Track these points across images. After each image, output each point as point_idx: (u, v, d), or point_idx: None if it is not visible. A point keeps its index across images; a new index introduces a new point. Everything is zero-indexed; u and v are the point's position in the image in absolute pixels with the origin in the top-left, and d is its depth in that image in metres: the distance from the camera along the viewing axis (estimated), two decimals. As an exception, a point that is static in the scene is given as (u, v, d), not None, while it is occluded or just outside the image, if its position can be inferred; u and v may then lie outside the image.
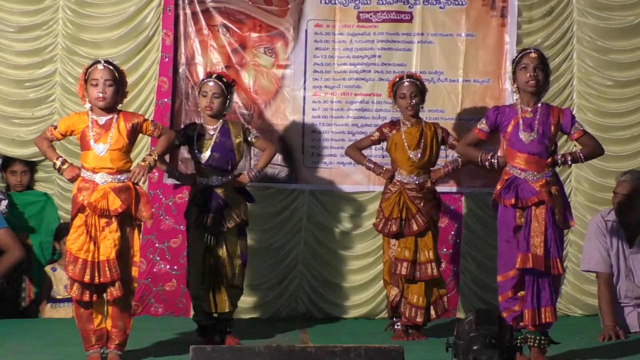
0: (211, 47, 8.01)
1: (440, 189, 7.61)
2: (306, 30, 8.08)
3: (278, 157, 7.97)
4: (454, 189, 8.04)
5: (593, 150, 6.43)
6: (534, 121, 6.22)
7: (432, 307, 7.23)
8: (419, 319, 7.15)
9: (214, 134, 6.90)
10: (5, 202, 7.74)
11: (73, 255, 6.02)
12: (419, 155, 7.18)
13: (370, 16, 8.10)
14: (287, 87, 8.09)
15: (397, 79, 7.29)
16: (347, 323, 7.93)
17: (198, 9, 7.97)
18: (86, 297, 6.03)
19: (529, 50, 6.33)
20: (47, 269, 7.82)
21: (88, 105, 6.14)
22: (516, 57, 6.40)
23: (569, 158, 6.36)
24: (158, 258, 7.96)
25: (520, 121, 6.24)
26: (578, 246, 7.93)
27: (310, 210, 8.12)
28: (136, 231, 6.17)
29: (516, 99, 6.36)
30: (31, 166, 8.05)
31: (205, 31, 8.00)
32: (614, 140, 8.08)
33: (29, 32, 7.99)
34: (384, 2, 8.07)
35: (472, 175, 7.94)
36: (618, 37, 8.21)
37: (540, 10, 8.13)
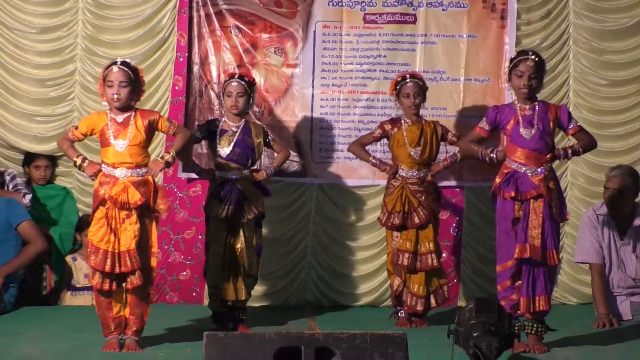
0: (224, 47, 8.05)
1: (442, 183, 7.66)
2: (314, 31, 8.10)
3: (288, 153, 8.04)
4: (455, 183, 8.08)
5: (589, 143, 6.50)
6: (534, 118, 6.26)
7: (432, 296, 7.25)
8: (419, 308, 7.17)
9: (237, 131, 6.93)
10: (29, 196, 7.78)
11: (94, 246, 6.07)
12: (420, 152, 7.20)
13: (376, 18, 8.12)
14: (296, 85, 8.12)
15: (400, 78, 7.29)
16: (354, 311, 7.95)
17: (211, 11, 8.01)
18: (106, 286, 6.06)
19: (526, 57, 6.30)
20: (68, 258, 7.87)
21: (106, 104, 6.17)
22: (514, 58, 6.38)
23: (569, 152, 6.42)
24: (172, 249, 8.01)
25: (520, 119, 6.26)
26: (573, 238, 7.95)
27: (319, 203, 8.15)
28: (154, 223, 6.21)
29: (513, 98, 6.40)
30: (53, 161, 8.10)
31: (218, 32, 8.03)
32: (608, 136, 8.10)
33: (50, 33, 8.03)
34: (389, 5, 8.09)
35: (473, 170, 7.97)
36: (612, 38, 8.21)
37: (539, 13, 8.14)
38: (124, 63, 6.16)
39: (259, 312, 7.65)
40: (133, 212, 6.07)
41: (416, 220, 7.16)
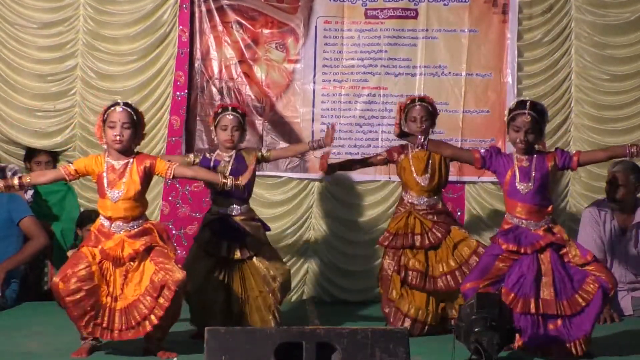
0: (225, 43, 8.05)
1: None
2: (316, 27, 8.10)
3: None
4: (456, 177, 8.05)
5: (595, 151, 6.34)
6: (531, 170, 6.08)
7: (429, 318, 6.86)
8: (415, 332, 6.69)
9: (229, 161, 6.61)
10: (31, 192, 7.77)
11: (84, 255, 5.80)
12: (427, 180, 6.90)
13: (377, 13, 8.11)
14: (297, 80, 8.11)
15: (409, 101, 6.98)
16: (355, 306, 7.93)
17: (213, 6, 8.01)
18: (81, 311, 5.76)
19: (522, 111, 6.04)
20: (70, 253, 7.84)
21: (105, 146, 5.91)
22: (512, 110, 6.11)
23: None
24: (175, 244, 7.98)
25: (517, 171, 6.08)
26: (575, 233, 7.92)
27: (320, 198, 8.15)
28: (168, 251, 5.91)
29: (513, 150, 6.19)
30: (54, 156, 8.09)
31: (220, 27, 8.03)
32: (610, 131, 8.10)
33: (51, 28, 8.02)
34: (390, 0, 8.08)
35: (474, 166, 7.97)
36: (614, 33, 8.21)
37: (540, 7, 8.14)
38: (126, 104, 5.89)
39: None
40: (133, 263, 5.83)
41: (432, 239, 6.82)
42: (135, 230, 5.86)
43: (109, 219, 5.86)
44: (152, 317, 5.75)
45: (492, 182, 7.92)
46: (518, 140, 6.06)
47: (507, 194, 6.15)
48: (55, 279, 5.75)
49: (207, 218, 6.71)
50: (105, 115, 5.85)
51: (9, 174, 7.85)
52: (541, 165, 6.10)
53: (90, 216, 7.77)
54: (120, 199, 5.82)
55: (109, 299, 5.80)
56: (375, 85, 8.14)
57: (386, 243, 6.89)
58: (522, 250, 6.02)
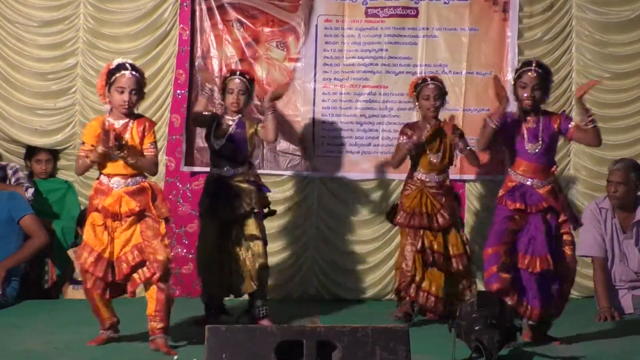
0: (226, 41, 8.04)
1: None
2: (316, 25, 8.09)
3: (290, 147, 8.03)
4: (457, 176, 8.04)
5: (592, 139, 6.30)
6: (538, 131, 6.20)
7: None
8: (433, 306, 7.03)
9: (231, 125, 6.87)
10: (31, 190, 7.75)
11: (89, 246, 5.97)
12: (440, 157, 7.11)
13: (378, 11, 8.10)
14: (298, 79, 8.10)
15: (420, 80, 7.17)
16: (356, 304, 7.93)
17: (213, 4, 8.00)
18: (98, 291, 5.99)
19: (529, 68, 6.22)
20: (70, 252, 7.85)
21: (107, 107, 6.02)
22: (518, 69, 6.33)
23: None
24: (175, 242, 7.99)
25: (525, 132, 6.20)
26: (576, 231, 7.92)
27: (321, 196, 8.14)
28: (161, 222, 6.06)
29: (517, 110, 6.31)
30: (54, 154, 8.08)
31: (220, 26, 8.02)
32: (611, 129, 8.07)
33: (52, 27, 8.01)
34: (391, -2, 8.10)
35: (475, 163, 7.98)
36: (615, 31, 8.21)
37: (541, 5, 8.14)
38: (133, 68, 5.99)
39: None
40: (126, 220, 5.96)
41: (441, 221, 7.04)
42: (133, 187, 5.99)
43: (108, 175, 5.99)
44: (135, 278, 5.98)
45: (492, 180, 7.91)
46: (525, 95, 6.18)
47: (514, 153, 6.25)
48: (86, 286, 6.06)
49: (206, 180, 7.03)
50: (113, 78, 5.94)
51: (9, 172, 7.85)
52: (548, 125, 6.24)
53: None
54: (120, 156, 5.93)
55: (108, 254, 5.98)
56: (375, 84, 8.13)
57: (405, 223, 7.07)
58: (529, 210, 6.14)
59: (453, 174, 7.94)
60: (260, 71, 8.05)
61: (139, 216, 5.99)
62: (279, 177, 8.04)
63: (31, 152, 8.06)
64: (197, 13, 8.02)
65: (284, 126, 7.99)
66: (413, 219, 7.05)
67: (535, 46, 8.16)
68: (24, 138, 8.03)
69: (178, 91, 8.01)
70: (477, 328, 5.39)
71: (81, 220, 7.81)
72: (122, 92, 5.92)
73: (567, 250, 6.23)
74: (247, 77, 6.92)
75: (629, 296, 7.40)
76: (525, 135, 6.20)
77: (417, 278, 7.02)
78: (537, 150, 6.18)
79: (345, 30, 8.12)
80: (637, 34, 8.22)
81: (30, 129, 8.01)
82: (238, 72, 6.96)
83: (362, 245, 8.17)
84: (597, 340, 6.41)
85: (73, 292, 7.77)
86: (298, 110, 8.07)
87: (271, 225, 7.85)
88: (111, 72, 5.96)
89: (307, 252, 8.16)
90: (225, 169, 6.87)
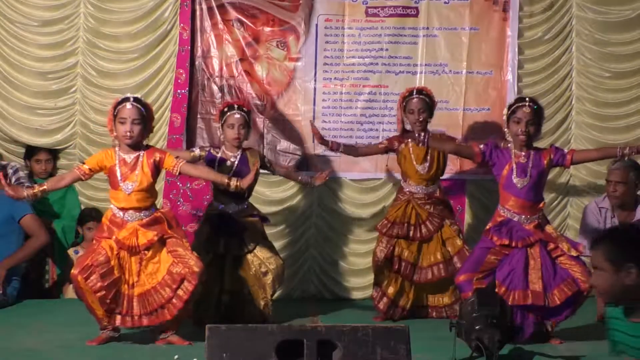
0: (226, 41, 8.02)
1: (443, 176, 7.60)
2: (317, 25, 8.07)
3: (290, 146, 8.02)
4: (457, 176, 8.04)
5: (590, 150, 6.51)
6: (528, 166, 6.22)
7: (430, 310, 7.24)
8: (396, 317, 7.10)
9: (234, 161, 6.81)
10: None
11: (103, 248, 5.99)
12: (426, 168, 7.16)
13: (378, 11, 8.09)
14: (298, 79, 8.09)
15: (407, 93, 7.22)
16: (356, 303, 7.92)
17: (214, 4, 7.99)
18: (104, 294, 5.98)
19: (523, 104, 6.25)
20: (70, 251, 7.84)
21: (116, 141, 6.10)
22: (512, 105, 6.34)
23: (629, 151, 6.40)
24: (184, 228, 7.96)
25: (514, 166, 6.23)
26: (575, 231, 7.93)
27: (321, 196, 8.13)
28: (185, 240, 6.14)
29: (509, 144, 6.31)
30: (54, 154, 8.06)
31: (221, 25, 8.01)
32: (610, 129, 8.08)
33: (52, 26, 7.99)
34: (391, -2, 8.09)
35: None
36: (616, 30, 8.19)
37: (541, 5, 8.13)
38: (136, 100, 6.09)
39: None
40: (147, 252, 6.02)
41: (424, 232, 7.10)
42: (147, 219, 6.07)
43: (122, 209, 6.05)
44: (171, 306, 5.99)
45: (492, 180, 7.89)
46: (520, 131, 6.22)
47: (502, 187, 6.29)
48: (74, 271, 5.98)
49: (207, 213, 6.94)
50: (116, 111, 6.04)
51: (10, 172, 7.83)
52: (538, 162, 6.27)
53: (90, 214, 7.79)
54: (134, 190, 6.03)
55: (126, 286, 6.02)
56: (376, 84, 8.12)
57: (384, 230, 7.16)
58: (514, 244, 6.16)
59: (453, 174, 7.97)
60: (260, 71, 8.04)
61: (161, 242, 6.05)
62: (279, 176, 8.02)
63: (31, 151, 8.04)
64: (198, 12, 8.00)
65: (284, 125, 7.98)
66: (392, 229, 7.13)
67: (535, 45, 8.15)
68: (25, 138, 8.01)
69: (178, 90, 7.99)
70: (477, 327, 5.39)
71: (82, 220, 7.82)
72: (123, 123, 6.00)
73: (572, 266, 6.20)
74: (245, 110, 6.88)
75: (629, 295, 7.39)
76: (515, 170, 6.22)
77: (387, 288, 7.13)
78: (525, 185, 6.18)
79: (346, 30, 8.11)
80: (637, 33, 8.20)
81: (31, 128, 7.99)
82: (236, 106, 6.88)
83: (362, 245, 8.16)
84: (597, 340, 6.39)
85: (73, 292, 7.73)
86: (298, 110, 8.06)
87: (272, 224, 7.84)
88: (115, 106, 6.08)
89: (307, 251, 8.15)
90: (229, 206, 6.82)
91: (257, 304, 6.79)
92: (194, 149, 7.10)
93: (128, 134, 5.98)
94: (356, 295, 8.11)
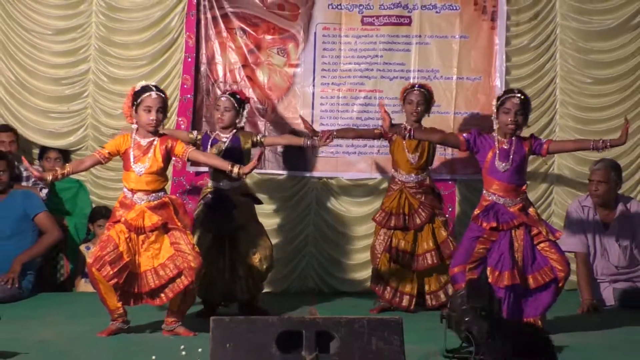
0: (229, 48, 8.05)
1: (435, 176, 7.65)
2: (315, 33, 8.10)
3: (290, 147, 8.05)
4: (448, 176, 8.08)
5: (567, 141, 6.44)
6: (510, 151, 6.23)
7: (429, 297, 7.23)
8: (404, 304, 7.16)
9: (226, 141, 6.89)
10: (45, 190, 7.80)
11: (113, 240, 5.99)
12: (417, 157, 7.17)
13: (373, 20, 8.12)
14: (297, 84, 8.11)
15: (410, 86, 7.29)
16: (352, 297, 7.93)
17: (218, 13, 8.01)
18: (114, 282, 5.99)
19: (512, 95, 6.26)
20: (82, 247, 7.87)
21: (134, 126, 6.11)
22: (501, 96, 6.33)
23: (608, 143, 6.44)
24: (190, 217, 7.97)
25: (497, 151, 6.23)
26: (560, 228, 7.94)
27: (319, 195, 8.15)
28: (187, 231, 6.15)
29: (495, 131, 6.31)
30: (65, 154, 8.08)
31: (224, 34, 8.04)
32: (592, 132, 8.07)
33: (65, 35, 8.03)
34: (386, 8, 8.09)
35: (465, 164, 7.99)
36: (598, 38, 8.22)
37: (527, 15, 8.15)
38: (158, 88, 6.14)
39: (262, 299, 7.62)
40: (151, 234, 6.05)
41: (417, 221, 7.13)
42: (155, 202, 6.09)
43: (132, 190, 6.09)
44: (162, 295, 6.06)
45: (480, 180, 7.92)
46: (509, 120, 6.22)
47: (486, 172, 6.29)
48: (89, 261, 6.02)
49: (203, 192, 7.01)
50: (139, 99, 6.05)
51: (24, 172, 7.86)
52: (519, 148, 6.27)
53: (101, 212, 7.81)
54: (144, 172, 6.06)
55: (132, 265, 6.04)
56: (371, 89, 8.14)
57: (382, 223, 7.17)
58: (501, 227, 6.16)
59: (444, 174, 8.00)
60: (262, 76, 8.06)
61: (165, 229, 6.08)
62: (279, 176, 8.05)
63: (42, 151, 8.07)
64: (203, 22, 8.03)
65: (284, 128, 8.01)
66: (389, 220, 7.13)
67: (521, 53, 8.18)
68: (39, 140, 8.06)
69: (184, 95, 8.01)
70: (467, 319, 5.39)
71: (93, 217, 7.85)
72: (149, 111, 6.04)
73: (552, 255, 6.20)
74: (237, 97, 6.93)
75: (610, 289, 7.42)
76: (497, 154, 6.23)
77: (389, 278, 7.15)
78: (507, 169, 6.20)
79: (343, 38, 8.13)
80: (618, 41, 8.23)
81: (45, 131, 8.03)
82: (228, 92, 7.03)
83: (358, 241, 8.18)
84: (580, 331, 6.42)
85: (85, 286, 7.77)
86: (298, 113, 8.05)
87: (272, 222, 7.88)
88: (137, 94, 6.08)
89: (306, 247, 8.17)
90: (222, 182, 6.87)
91: (248, 282, 6.85)
92: (193, 131, 7.22)
93: (154, 122, 6.03)
94: (353, 289, 8.12)
